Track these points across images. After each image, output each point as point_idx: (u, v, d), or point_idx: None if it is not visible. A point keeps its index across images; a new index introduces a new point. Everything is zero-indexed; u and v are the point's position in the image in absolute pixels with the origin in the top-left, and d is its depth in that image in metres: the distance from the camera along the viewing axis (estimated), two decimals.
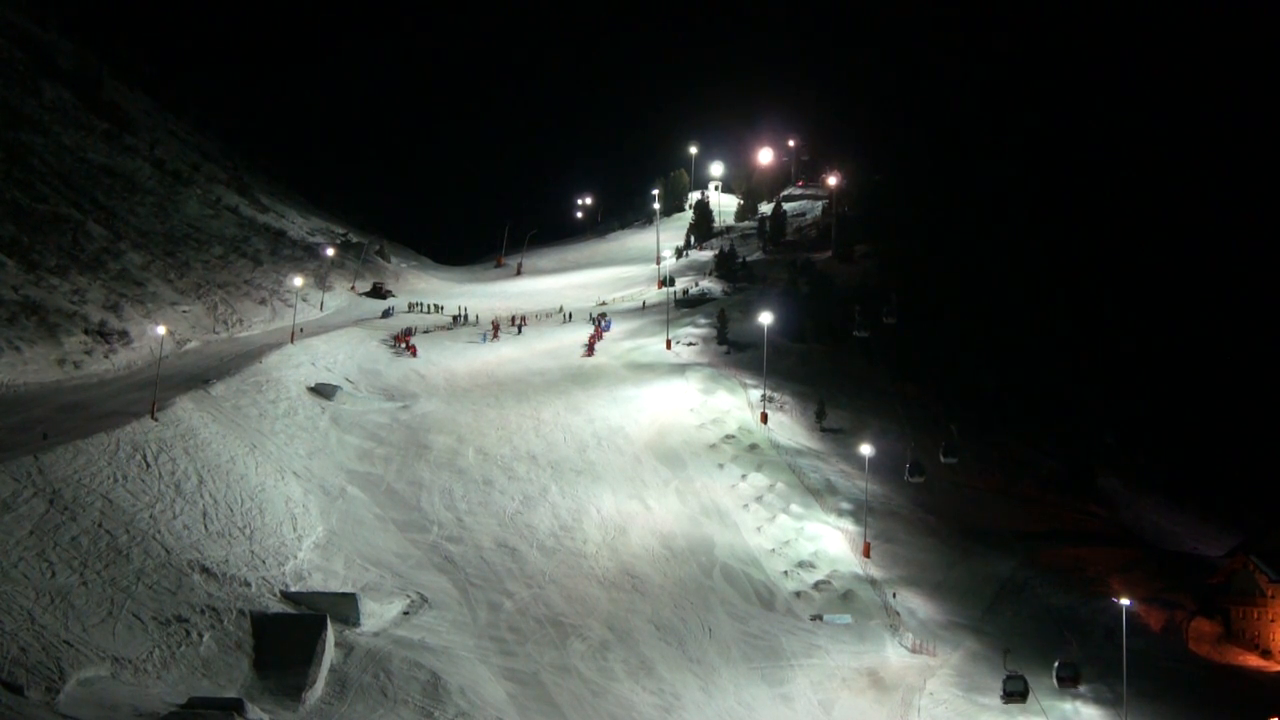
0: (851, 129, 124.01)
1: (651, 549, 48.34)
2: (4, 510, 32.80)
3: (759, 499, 54.14)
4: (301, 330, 67.85)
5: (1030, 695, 40.44)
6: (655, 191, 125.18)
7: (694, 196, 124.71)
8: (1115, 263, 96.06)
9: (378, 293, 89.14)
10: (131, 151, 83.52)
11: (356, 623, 35.79)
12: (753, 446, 59.64)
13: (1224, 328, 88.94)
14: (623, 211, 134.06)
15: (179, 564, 34.84)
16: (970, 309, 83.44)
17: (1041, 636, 47.02)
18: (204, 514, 38.98)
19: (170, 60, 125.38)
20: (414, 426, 56.91)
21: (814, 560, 49.79)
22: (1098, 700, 42.42)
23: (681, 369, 69.44)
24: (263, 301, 73.52)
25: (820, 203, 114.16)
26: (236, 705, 27.68)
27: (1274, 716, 42.03)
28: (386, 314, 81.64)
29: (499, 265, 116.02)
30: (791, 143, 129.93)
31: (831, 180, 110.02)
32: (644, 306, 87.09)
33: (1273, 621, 50.97)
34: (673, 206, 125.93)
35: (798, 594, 47.15)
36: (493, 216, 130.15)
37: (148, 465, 39.80)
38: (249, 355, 59.00)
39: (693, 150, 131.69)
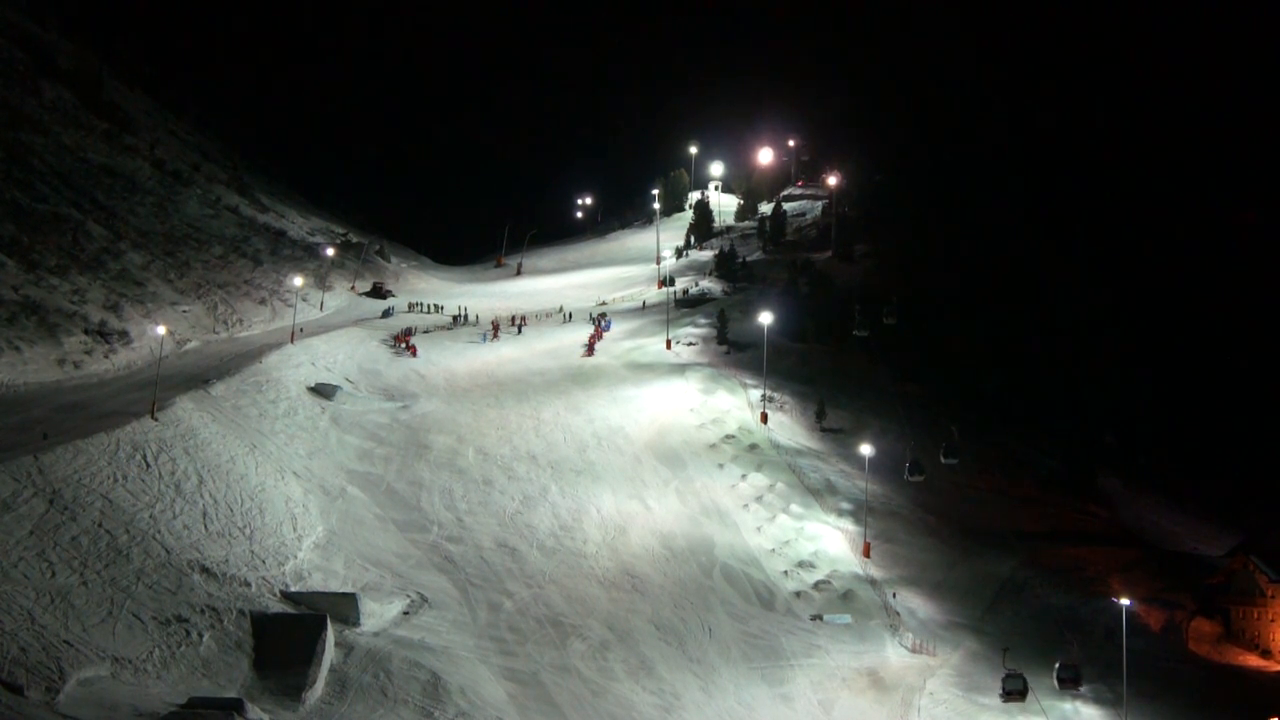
0: (851, 129, 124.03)
1: (651, 549, 48.35)
2: (4, 510, 32.82)
3: (759, 499, 54.15)
4: (301, 330, 67.86)
5: (1030, 694, 40.45)
6: (655, 191, 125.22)
7: (694, 196, 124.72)
8: (1115, 262, 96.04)
9: (378, 293, 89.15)
10: (131, 151, 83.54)
11: (356, 623, 35.81)
12: (753, 446, 59.64)
13: (1224, 328, 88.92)
14: (623, 211, 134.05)
15: (179, 564, 34.85)
16: (970, 309, 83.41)
17: (1041, 636, 47.03)
18: (204, 514, 39.00)
19: (170, 60, 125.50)
20: (414, 426, 56.91)
21: (814, 560, 49.80)
22: (1098, 700, 42.43)
23: (681, 369, 69.45)
24: (263, 301, 73.53)
25: (820, 203, 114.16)
26: (236, 705, 27.70)
27: (1274, 717, 42.05)
28: (386, 314, 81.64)
29: (499, 265, 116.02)
30: (791, 143, 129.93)
31: (831, 180, 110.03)
32: (644, 306, 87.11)
33: (1273, 621, 51.00)
34: (673, 206, 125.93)
35: (798, 594, 47.15)
36: (493, 216, 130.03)
37: (148, 465, 39.81)
38: (249, 355, 59.01)
39: (693, 150, 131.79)
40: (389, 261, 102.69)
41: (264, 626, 33.16)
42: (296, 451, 49.54)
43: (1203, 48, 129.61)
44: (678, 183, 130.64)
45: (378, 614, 37.21)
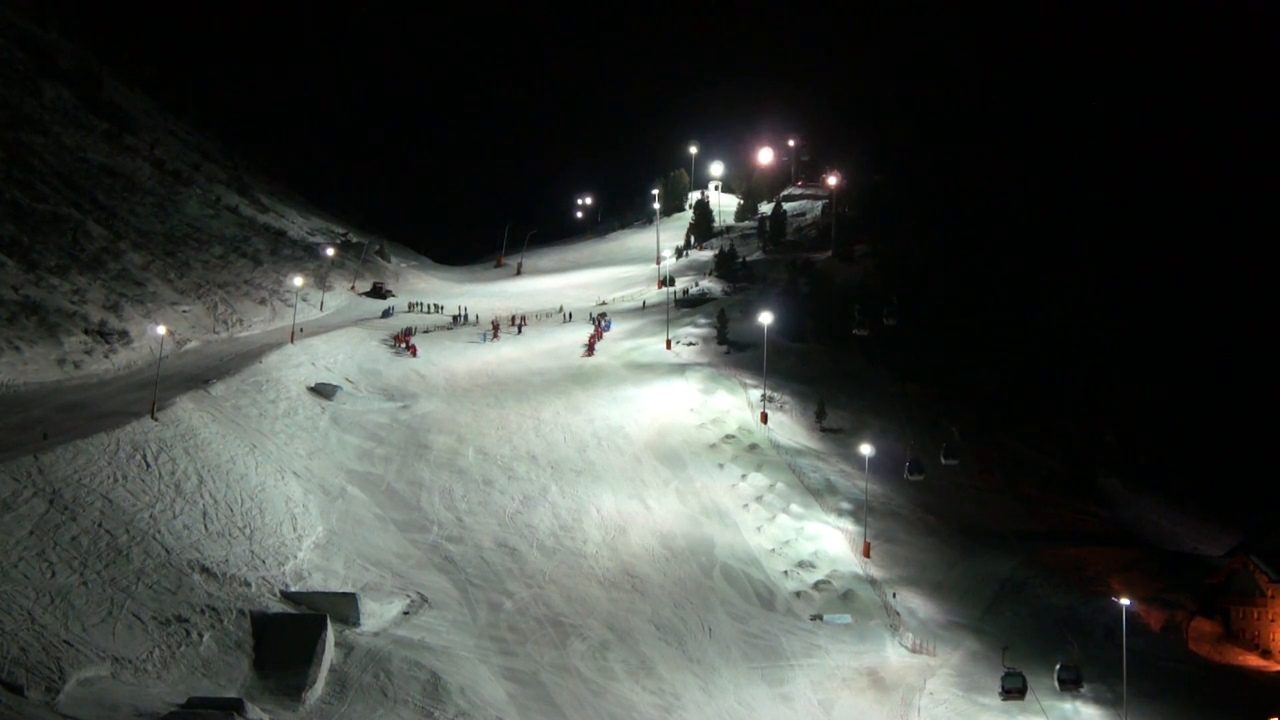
0: (851, 129, 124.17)
1: (651, 549, 48.34)
2: (4, 510, 32.82)
3: (759, 499, 54.14)
4: (301, 330, 67.86)
5: (1029, 693, 40.47)
6: (655, 191, 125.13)
7: (694, 196, 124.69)
8: (1115, 262, 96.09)
9: (378, 293, 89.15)
10: (131, 151, 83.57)
11: (356, 623, 35.80)
12: (753, 446, 59.63)
13: (1224, 328, 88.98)
14: (623, 211, 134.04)
15: (179, 564, 34.85)
16: (970, 309, 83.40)
17: (1041, 636, 47.01)
18: (204, 514, 38.99)
19: (170, 60, 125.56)
20: (414, 426, 56.91)
21: (814, 560, 49.79)
22: (1098, 700, 42.41)
23: (681, 369, 69.45)
24: (263, 301, 73.53)
25: (820, 203, 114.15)
26: (236, 705, 27.70)
27: (1274, 717, 42.03)
28: (386, 314, 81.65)
29: (499, 265, 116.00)
30: (791, 143, 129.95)
31: (831, 180, 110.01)
32: (644, 306, 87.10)
33: (1273, 621, 51.00)
34: (673, 206, 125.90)
35: (798, 594, 47.14)
36: (493, 216, 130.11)
37: (148, 465, 39.81)
38: (249, 355, 59.00)
39: (693, 150, 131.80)
40: (389, 261, 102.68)
41: (264, 626, 33.16)
42: (296, 451, 49.54)
43: (1203, 44, 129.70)
44: (678, 183, 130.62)
45: (378, 614, 37.21)
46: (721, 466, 56.86)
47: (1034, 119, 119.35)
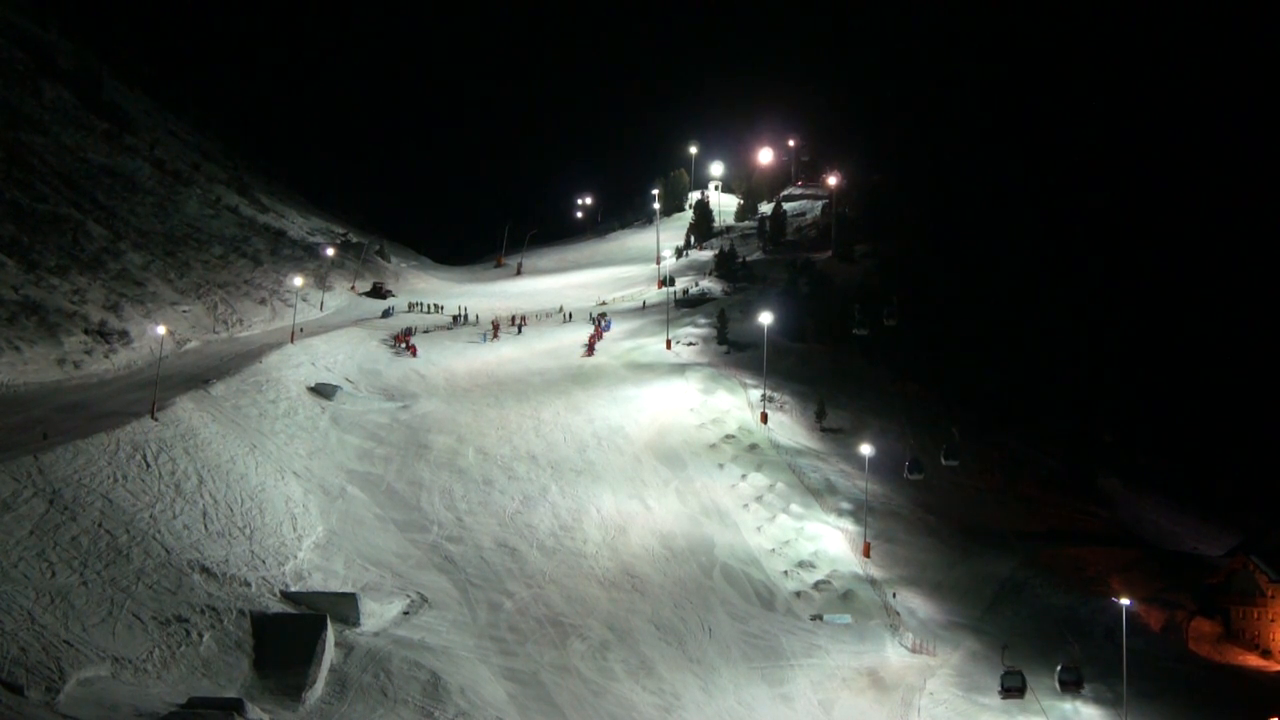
0: (851, 129, 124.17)
1: (651, 549, 48.34)
2: (4, 510, 32.81)
3: (759, 499, 54.14)
4: (301, 330, 67.87)
5: (1029, 693, 40.49)
6: (655, 191, 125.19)
7: (694, 196, 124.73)
8: (1115, 262, 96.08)
9: (378, 293, 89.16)
10: (131, 151, 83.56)
11: (356, 623, 35.80)
12: (753, 446, 59.63)
13: (1224, 327, 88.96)
14: (623, 211, 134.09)
15: (179, 564, 34.84)
16: (970, 309, 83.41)
17: (1041, 636, 47.01)
18: (204, 514, 38.99)
19: (170, 60, 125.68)
20: (414, 426, 56.91)
21: (814, 560, 49.78)
22: (1098, 700, 42.38)
23: (681, 369, 69.45)
24: (263, 301, 73.54)
25: (820, 203, 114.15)
26: (236, 705, 27.70)
27: (1274, 716, 42.03)
28: (386, 314, 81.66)
29: (499, 265, 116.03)
30: (791, 143, 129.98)
31: (831, 180, 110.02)
32: (644, 306, 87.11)
33: (1273, 621, 51.02)
34: (673, 206, 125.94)
35: (798, 594, 47.14)
36: (493, 216, 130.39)
37: (148, 465, 39.81)
38: (249, 355, 59.01)
39: (693, 150, 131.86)
40: (389, 261, 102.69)
41: (264, 626, 33.15)
42: (296, 451, 49.54)
43: (1203, 44, 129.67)
44: (678, 183, 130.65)
45: (378, 614, 37.21)
46: (721, 466, 56.85)
47: (1034, 119, 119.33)
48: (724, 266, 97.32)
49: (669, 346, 74.90)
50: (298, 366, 59.26)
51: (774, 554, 49.89)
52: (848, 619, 45.69)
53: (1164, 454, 76.18)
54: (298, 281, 75.52)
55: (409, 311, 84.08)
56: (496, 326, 78.98)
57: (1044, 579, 52.56)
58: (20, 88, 79.53)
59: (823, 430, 65.71)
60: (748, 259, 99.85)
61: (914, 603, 48.24)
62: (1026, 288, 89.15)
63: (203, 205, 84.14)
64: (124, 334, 57.38)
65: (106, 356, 54.98)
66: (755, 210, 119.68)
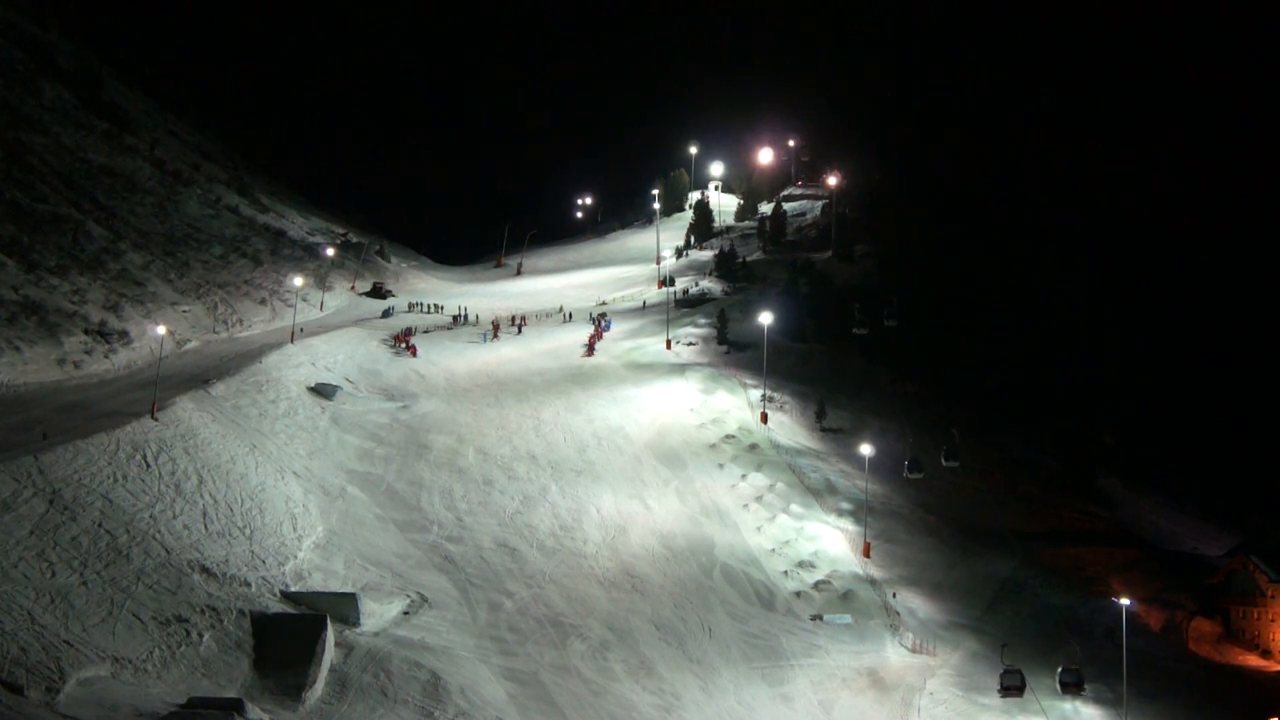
0: (851, 129, 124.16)
1: (651, 549, 48.34)
2: (4, 510, 32.80)
3: (759, 499, 54.13)
4: (301, 330, 67.87)
5: (1029, 692, 40.50)
6: (655, 191, 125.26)
7: (694, 196, 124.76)
8: (1115, 262, 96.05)
9: (378, 293, 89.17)
10: (131, 151, 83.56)
11: (356, 623, 35.79)
12: (753, 446, 59.63)
13: (1224, 327, 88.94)
14: (623, 211, 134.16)
15: (179, 564, 34.84)
16: (970, 309, 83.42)
17: (1041, 636, 47.00)
18: (204, 514, 38.98)
19: (170, 60, 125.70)
20: (414, 426, 56.91)
21: (814, 560, 49.77)
22: (1098, 700, 42.37)
23: (681, 369, 69.45)
24: (263, 301, 73.54)
25: (820, 203, 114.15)
26: (236, 705, 27.68)
27: (1274, 716, 42.03)
28: (386, 314, 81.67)
29: (499, 265, 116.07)
30: (791, 143, 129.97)
31: (831, 180, 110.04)
32: (644, 306, 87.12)
33: (1273, 621, 51.02)
34: (673, 206, 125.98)
35: (798, 594, 47.13)
36: (493, 216, 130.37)
37: (148, 465, 39.80)
38: (249, 355, 59.01)
39: (693, 150, 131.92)
40: (389, 261, 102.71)
41: (264, 626, 33.13)
42: (296, 451, 49.54)
43: (1203, 43, 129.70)
44: (678, 183, 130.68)
45: (378, 614, 37.20)
46: (721, 466, 56.85)
47: (1034, 118, 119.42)
48: (724, 266, 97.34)
49: (669, 346, 74.90)
50: (298, 366, 59.27)
51: (774, 554, 49.88)
52: (848, 619, 45.68)
53: (1164, 454, 76.16)
54: (298, 281, 75.53)
55: (409, 311, 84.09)
56: (496, 326, 78.99)
57: (1044, 579, 52.56)
58: (20, 88, 79.52)
59: (823, 430, 65.71)
60: (748, 259, 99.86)
61: (914, 603, 48.23)
62: (1026, 288, 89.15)
63: (203, 205, 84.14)
64: (124, 334, 57.39)
65: (106, 356, 54.97)
66: (755, 210, 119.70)
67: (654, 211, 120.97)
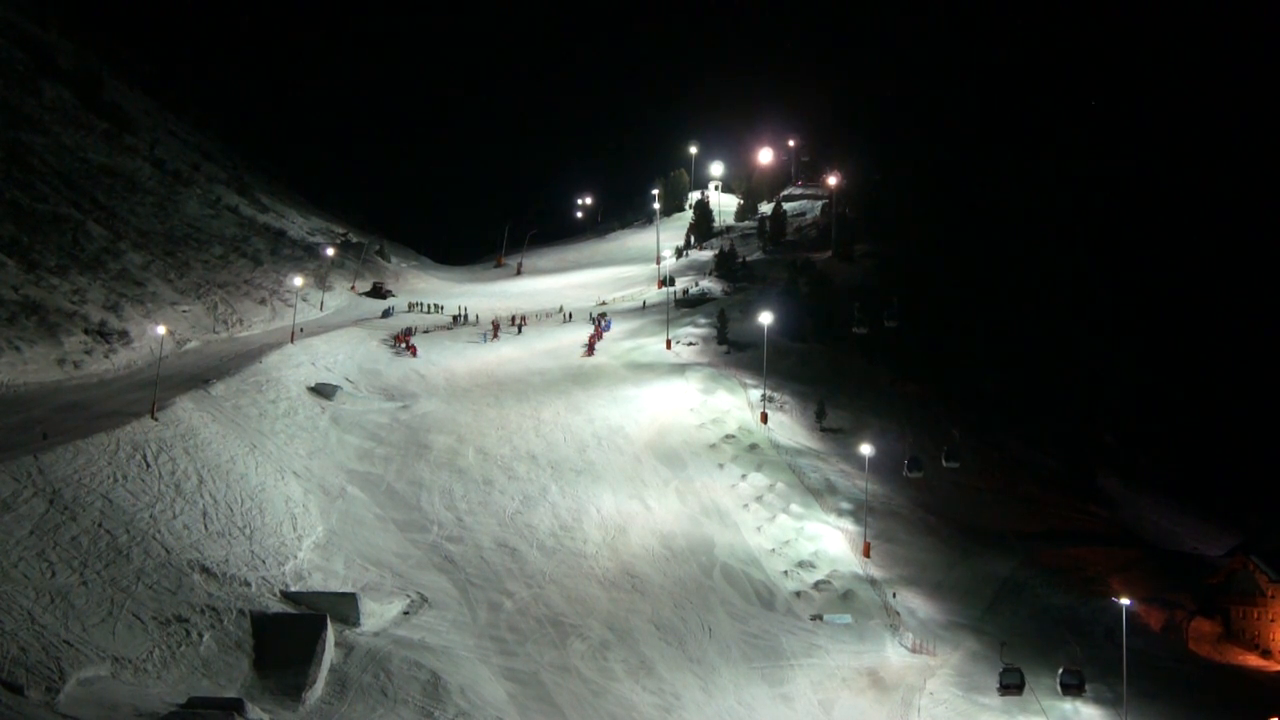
0: (851, 129, 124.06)
1: (651, 549, 48.35)
2: (4, 510, 32.79)
3: (759, 499, 54.14)
4: (301, 330, 67.85)
5: (1028, 691, 40.53)
6: (655, 191, 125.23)
7: (694, 196, 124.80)
8: (1115, 263, 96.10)
9: (378, 293, 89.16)
10: (131, 151, 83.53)
11: (356, 623, 35.80)
12: (753, 446, 59.64)
13: (1224, 328, 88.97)
14: (623, 211, 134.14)
15: (179, 564, 34.83)
16: (970, 309, 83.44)
17: (1041, 636, 47.04)
18: (204, 514, 38.98)
19: (170, 60, 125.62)
20: (414, 426, 56.91)
21: (814, 560, 49.79)
22: (1098, 700, 42.39)
23: (681, 369, 69.46)
24: (263, 301, 73.52)
25: (820, 203, 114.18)
26: (236, 705, 27.69)
27: (1274, 716, 42.04)
28: (386, 314, 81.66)
29: (499, 265, 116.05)
30: (791, 143, 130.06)
31: (831, 180, 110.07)
32: (644, 306, 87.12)
33: (1273, 621, 51.03)
34: (673, 206, 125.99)
35: (798, 594, 47.14)
36: (493, 216, 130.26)
37: (148, 465, 39.79)
38: (249, 355, 58.99)
39: (693, 150, 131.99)
40: (389, 261, 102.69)
41: (264, 626, 33.14)
42: (296, 451, 49.53)
43: (1203, 43, 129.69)
44: (678, 183, 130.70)
45: (378, 614, 37.21)
46: (721, 466, 56.86)
47: (1034, 118, 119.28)
48: (724, 266, 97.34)
49: (669, 346, 74.91)
50: (298, 366, 59.26)
51: (774, 554, 49.89)
52: (848, 619, 45.70)
53: (1164, 454, 76.22)
54: (298, 281, 75.52)
55: (409, 311, 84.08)
56: (496, 326, 78.99)
57: (1044, 579, 52.58)
58: (20, 88, 79.47)
59: (823, 430, 65.72)
60: (748, 259, 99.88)
61: (914, 603, 48.25)
62: (1026, 288, 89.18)
63: (203, 205, 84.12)
64: (124, 334, 57.37)
65: (106, 356, 54.95)
66: (755, 210, 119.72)
67: (654, 211, 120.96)
